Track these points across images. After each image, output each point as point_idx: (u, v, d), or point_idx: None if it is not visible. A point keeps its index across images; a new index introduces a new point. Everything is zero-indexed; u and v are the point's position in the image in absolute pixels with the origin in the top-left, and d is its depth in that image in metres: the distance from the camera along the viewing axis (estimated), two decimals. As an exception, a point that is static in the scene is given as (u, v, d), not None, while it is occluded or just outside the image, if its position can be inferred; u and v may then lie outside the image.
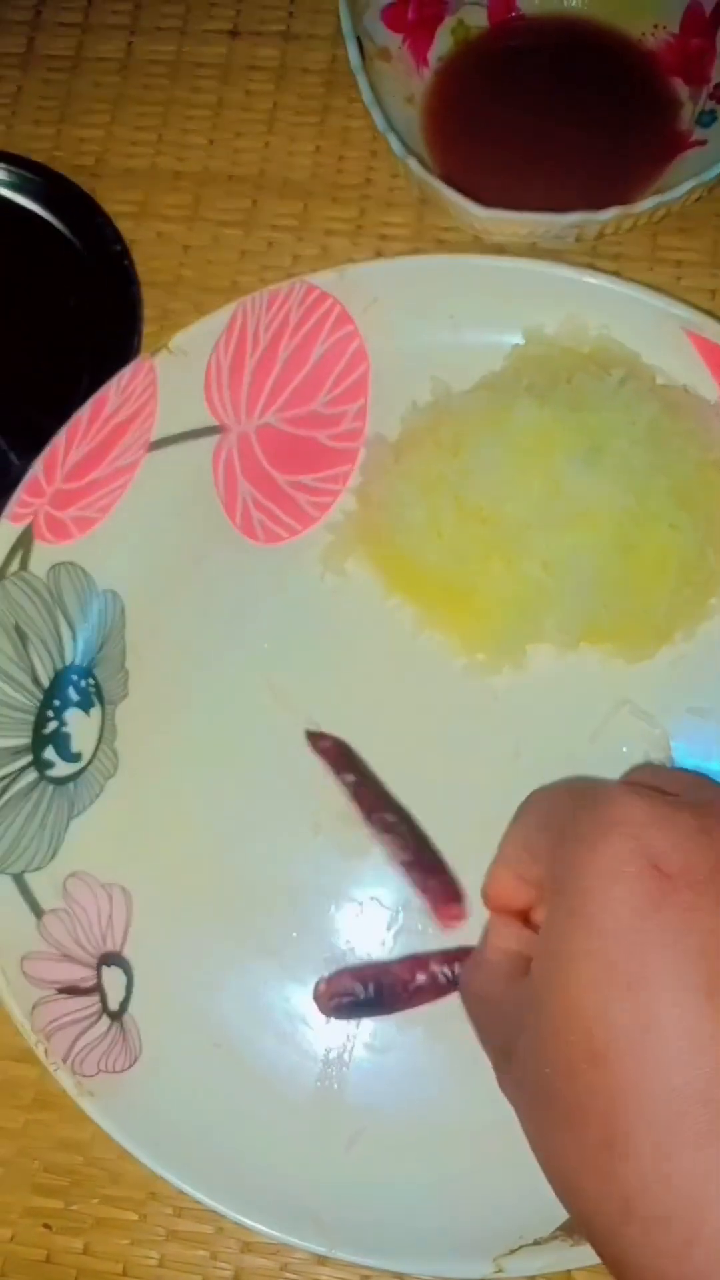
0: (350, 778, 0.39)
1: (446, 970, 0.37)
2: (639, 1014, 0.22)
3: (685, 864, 0.23)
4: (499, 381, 0.39)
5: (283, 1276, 0.36)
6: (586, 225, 0.40)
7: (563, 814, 0.27)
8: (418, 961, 0.38)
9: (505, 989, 0.28)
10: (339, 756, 0.39)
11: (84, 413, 0.40)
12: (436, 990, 0.37)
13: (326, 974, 0.38)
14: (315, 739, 0.40)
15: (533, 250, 0.44)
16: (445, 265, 0.41)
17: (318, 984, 0.37)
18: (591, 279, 0.40)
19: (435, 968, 0.37)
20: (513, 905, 0.30)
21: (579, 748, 0.39)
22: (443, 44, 0.47)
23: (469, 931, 0.37)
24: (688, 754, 0.39)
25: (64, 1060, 0.35)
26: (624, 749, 0.39)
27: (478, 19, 0.47)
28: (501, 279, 0.41)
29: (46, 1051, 0.35)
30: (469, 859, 0.38)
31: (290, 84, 0.49)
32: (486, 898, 0.31)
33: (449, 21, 0.46)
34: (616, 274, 0.42)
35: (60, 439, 0.40)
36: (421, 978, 0.37)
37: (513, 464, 0.36)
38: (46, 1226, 0.37)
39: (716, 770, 0.38)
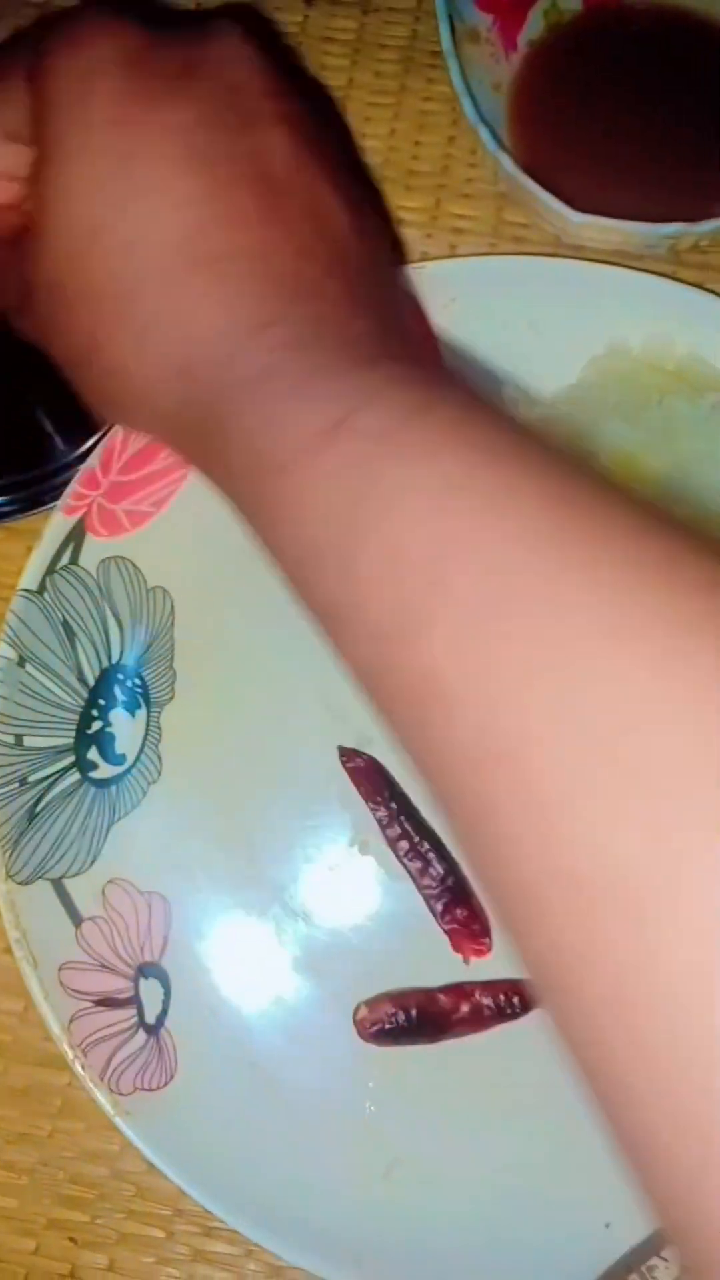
0: (380, 799, 0.38)
1: (490, 1001, 0.36)
2: (131, 183, 0.24)
3: (162, 60, 0.26)
4: (584, 396, 0.38)
5: (311, 1303, 0.36)
6: (682, 237, 0.38)
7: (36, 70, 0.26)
8: (461, 990, 0.37)
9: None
10: (371, 776, 0.38)
11: (145, 402, 0.39)
12: (480, 1021, 0.36)
13: (368, 998, 0.37)
14: (348, 756, 0.38)
15: (617, 255, 0.42)
16: (531, 267, 0.40)
17: (358, 1009, 0.37)
18: (686, 292, 0.38)
19: (480, 998, 0.37)
20: None
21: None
22: (534, 27, 0.44)
23: (503, 963, 0.37)
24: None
25: (101, 1078, 0.34)
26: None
27: (572, 2, 0.44)
28: (588, 285, 0.39)
29: (84, 1067, 0.34)
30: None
31: (366, 59, 0.47)
32: None
33: (542, 3, 0.44)
34: (700, 285, 0.40)
35: (118, 430, 0.39)
36: (465, 1007, 0.37)
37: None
38: (71, 1240, 0.36)
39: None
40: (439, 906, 0.37)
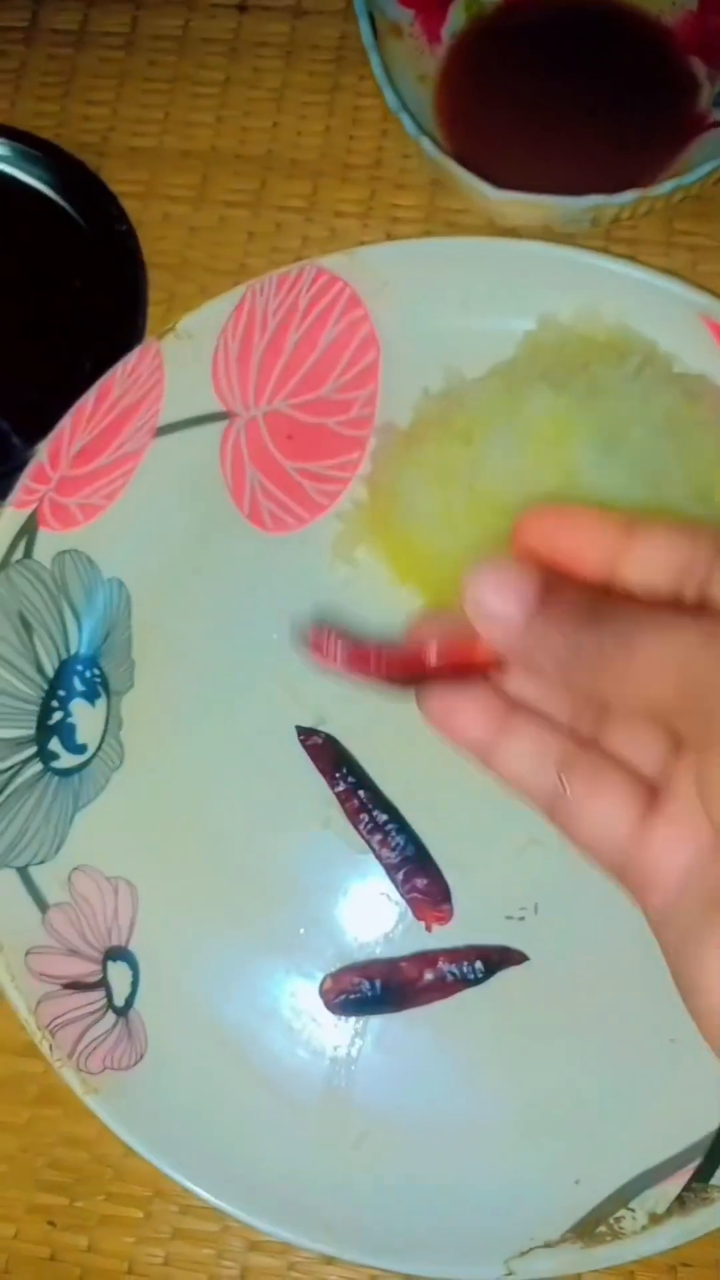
0: (338, 775, 0.38)
1: (454, 968, 0.37)
2: None
3: None
4: (513, 369, 0.39)
5: (289, 1276, 0.36)
6: (602, 209, 0.39)
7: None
8: (425, 959, 0.37)
9: None
10: (328, 753, 0.39)
11: (89, 398, 0.40)
12: (444, 988, 0.37)
13: (333, 970, 0.37)
14: (305, 735, 0.39)
15: (547, 234, 0.43)
16: (458, 248, 0.41)
17: (323, 980, 0.37)
18: (608, 264, 0.39)
19: (443, 965, 0.37)
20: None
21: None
22: (456, 20, 0.45)
23: (470, 931, 0.37)
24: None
25: (69, 1056, 0.35)
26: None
27: (492, -6, 0.46)
28: (516, 263, 0.40)
29: (51, 1047, 0.35)
30: (469, 858, 0.38)
31: (300, 61, 0.48)
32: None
33: (463, -4, 0.45)
34: (632, 259, 0.41)
35: (65, 424, 0.40)
36: (429, 975, 0.37)
37: (527, 453, 0.36)
38: (51, 1224, 0.37)
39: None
40: (399, 876, 0.38)
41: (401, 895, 0.37)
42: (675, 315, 0.39)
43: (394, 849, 0.38)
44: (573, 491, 0.36)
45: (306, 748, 0.39)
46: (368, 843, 0.38)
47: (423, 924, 0.37)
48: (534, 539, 0.25)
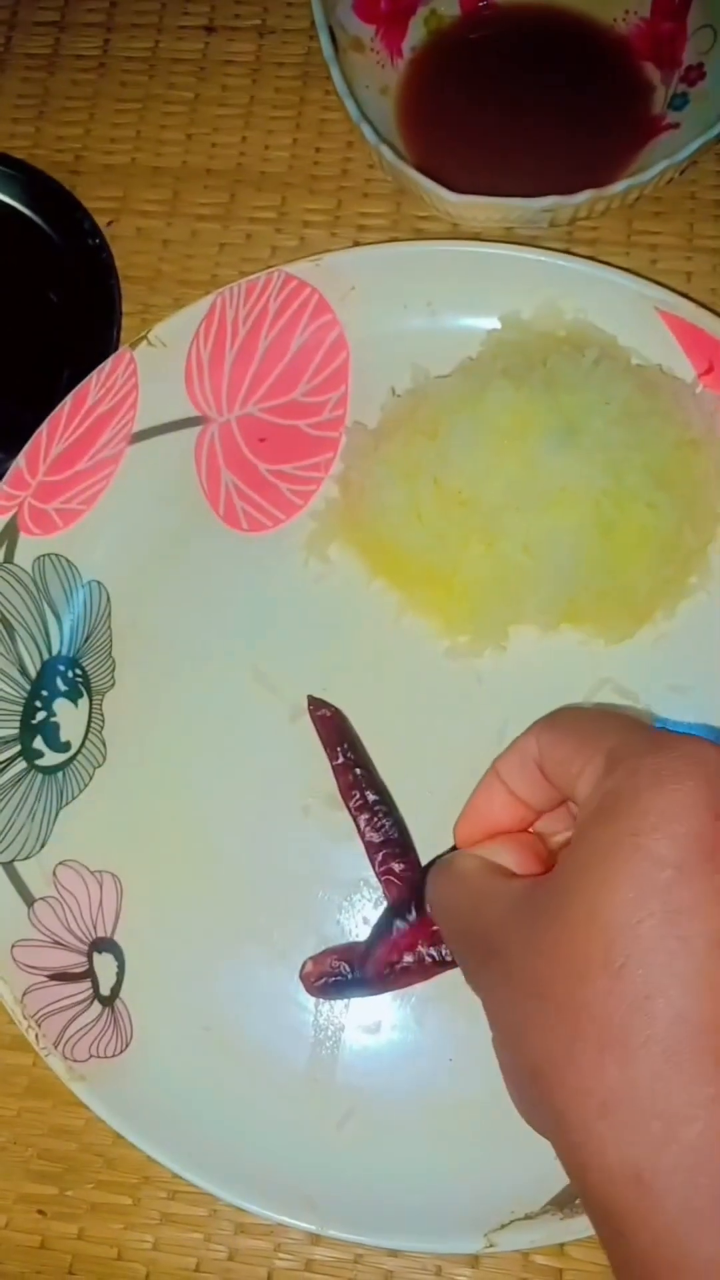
0: (340, 749, 0.39)
1: (433, 951, 0.37)
2: (670, 940, 0.23)
3: None
4: (475, 366, 0.40)
5: (277, 1257, 0.36)
6: (559, 210, 0.40)
7: (613, 736, 0.27)
8: (404, 942, 0.38)
9: (491, 889, 0.29)
10: (334, 727, 0.39)
11: (65, 405, 0.41)
12: (423, 970, 0.37)
13: (314, 954, 0.38)
14: (315, 706, 0.40)
15: (509, 237, 0.44)
16: (421, 251, 0.42)
17: (304, 964, 0.38)
18: (565, 262, 0.40)
19: (421, 948, 0.38)
20: (501, 825, 0.31)
21: (562, 727, 0.39)
22: (416, 34, 0.47)
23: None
24: (670, 730, 0.39)
25: (55, 1046, 0.36)
26: (607, 727, 0.39)
27: (450, 8, 0.47)
28: (477, 264, 0.41)
29: (38, 1037, 0.36)
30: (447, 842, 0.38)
31: (266, 78, 0.50)
32: (474, 815, 0.32)
33: (422, 11, 0.47)
34: (593, 258, 0.43)
35: (42, 432, 0.41)
36: (408, 958, 0.37)
37: (489, 446, 0.37)
38: (41, 1213, 0.37)
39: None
40: (378, 858, 0.38)
41: (376, 876, 0.38)
42: (633, 310, 0.40)
43: (378, 830, 0.38)
44: (534, 482, 0.37)
45: (315, 718, 0.39)
46: (355, 820, 0.38)
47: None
48: (472, 839, 0.32)
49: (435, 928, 0.37)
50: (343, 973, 0.37)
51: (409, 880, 0.38)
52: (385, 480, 0.39)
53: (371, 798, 0.38)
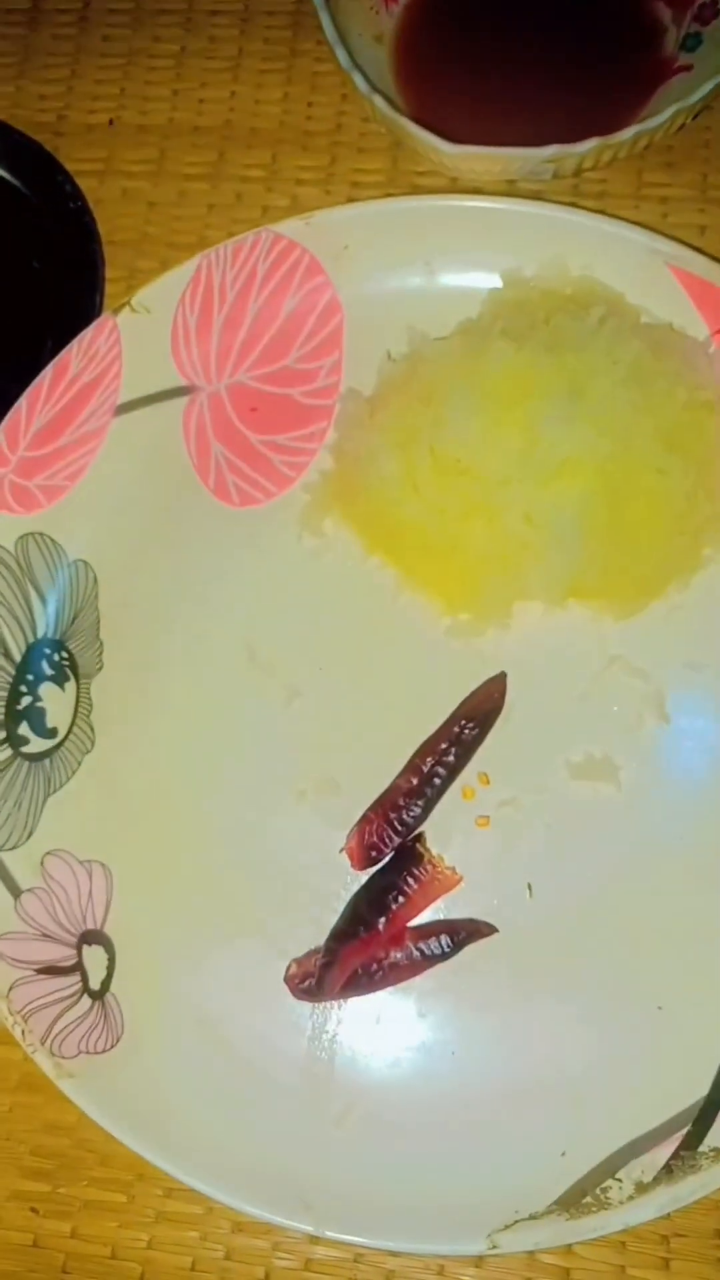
0: (469, 723, 0.37)
1: (422, 946, 0.36)
2: None
3: None
4: (474, 327, 0.38)
5: (275, 1255, 0.35)
6: (564, 160, 0.38)
7: None
8: (394, 938, 0.36)
9: None
10: (491, 699, 0.38)
11: (45, 377, 0.39)
12: (413, 966, 0.36)
13: (304, 951, 0.36)
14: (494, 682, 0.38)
15: (511, 190, 0.42)
16: (417, 207, 0.40)
17: (289, 966, 0.36)
18: (570, 216, 0.38)
19: (410, 943, 0.36)
20: None
21: (568, 708, 0.37)
22: (412, -23, 0.44)
23: (445, 907, 0.37)
24: (684, 710, 0.37)
25: (43, 1042, 0.34)
26: (615, 708, 0.37)
27: (448, -51, 0.45)
28: (478, 219, 0.39)
29: (24, 1033, 0.35)
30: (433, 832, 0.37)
31: (255, 28, 0.47)
32: None
33: (417, -47, 0.44)
34: (601, 212, 0.40)
35: (21, 405, 0.39)
36: (398, 955, 0.36)
37: (488, 412, 0.35)
38: (34, 1210, 0.36)
39: (712, 728, 0.37)
40: (393, 815, 0.37)
41: (351, 827, 0.37)
42: (643, 266, 0.38)
43: (411, 817, 0.37)
44: (536, 449, 0.35)
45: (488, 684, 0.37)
46: (423, 783, 0.37)
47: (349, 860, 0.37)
48: None
49: (425, 924, 0.36)
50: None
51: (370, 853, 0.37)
52: (380, 450, 0.37)
53: (440, 779, 0.37)
